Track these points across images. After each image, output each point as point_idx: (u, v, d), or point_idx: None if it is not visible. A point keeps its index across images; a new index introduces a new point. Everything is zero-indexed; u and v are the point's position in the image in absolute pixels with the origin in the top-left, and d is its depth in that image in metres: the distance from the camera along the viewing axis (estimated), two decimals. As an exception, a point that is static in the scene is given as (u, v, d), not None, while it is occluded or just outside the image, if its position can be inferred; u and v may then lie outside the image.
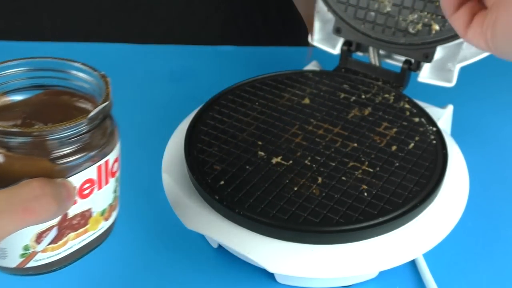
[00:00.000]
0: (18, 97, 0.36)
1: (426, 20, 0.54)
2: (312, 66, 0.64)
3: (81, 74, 0.37)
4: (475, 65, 0.53)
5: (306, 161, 0.47)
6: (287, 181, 0.46)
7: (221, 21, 0.80)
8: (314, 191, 0.45)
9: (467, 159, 0.50)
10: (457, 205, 0.46)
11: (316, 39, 0.62)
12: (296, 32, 0.75)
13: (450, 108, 0.57)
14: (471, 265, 0.47)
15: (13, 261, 0.34)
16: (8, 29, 0.80)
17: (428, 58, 0.55)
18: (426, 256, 0.46)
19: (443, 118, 0.55)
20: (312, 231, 0.42)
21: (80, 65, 0.36)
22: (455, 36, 0.52)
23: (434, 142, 0.49)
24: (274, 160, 0.48)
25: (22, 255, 0.34)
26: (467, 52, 0.54)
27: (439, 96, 0.58)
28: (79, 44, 0.80)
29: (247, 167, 0.47)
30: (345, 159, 0.48)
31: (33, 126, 0.34)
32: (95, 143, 0.34)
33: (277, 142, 0.50)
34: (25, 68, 0.36)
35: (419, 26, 0.54)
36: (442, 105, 0.57)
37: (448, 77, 0.55)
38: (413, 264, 0.47)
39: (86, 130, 0.33)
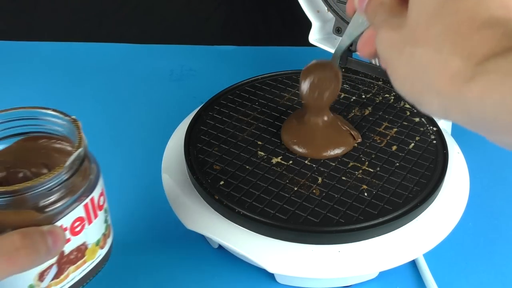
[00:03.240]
0: None
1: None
2: (312, 66, 0.64)
3: (54, 120, 0.39)
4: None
5: (306, 161, 0.47)
6: (287, 181, 0.46)
7: (221, 21, 0.80)
8: (314, 191, 0.45)
9: (467, 159, 0.50)
10: (458, 205, 0.46)
11: (316, 39, 0.62)
12: (296, 32, 0.75)
13: (450, 108, 0.57)
14: (472, 265, 0.47)
15: None
16: (8, 29, 0.80)
17: (429, 58, 0.55)
18: (427, 256, 0.46)
19: (443, 118, 0.55)
20: (312, 231, 0.42)
21: (52, 112, 0.39)
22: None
23: (435, 142, 0.49)
24: (274, 160, 0.48)
25: None
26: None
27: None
28: (79, 44, 0.80)
29: (247, 167, 0.47)
30: (345, 159, 0.48)
31: (18, 175, 0.37)
32: (78, 185, 0.36)
33: (277, 142, 0.50)
34: (2, 120, 0.38)
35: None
36: (443, 105, 0.57)
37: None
38: (413, 264, 0.47)
39: (66, 178, 0.35)
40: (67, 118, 0.39)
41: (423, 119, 0.52)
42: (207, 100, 0.55)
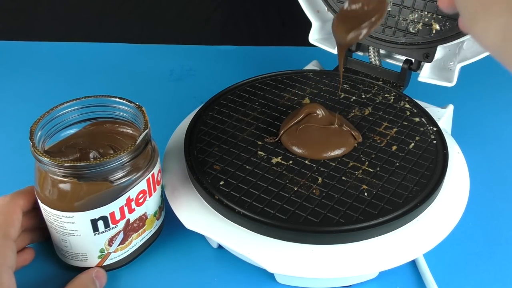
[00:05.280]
0: (71, 131, 0.45)
1: (426, 19, 0.54)
2: (312, 66, 0.64)
3: (120, 106, 0.45)
4: (476, 65, 0.53)
5: (306, 161, 0.47)
6: (287, 181, 0.45)
7: (221, 21, 0.80)
8: (314, 191, 0.45)
9: (467, 159, 0.50)
10: (458, 205, 0.46)
11: (316, 39, 0.62)
12: (296, 32, 0.75)
13: (450, 108, 0.57)
14: (472, 265, 0.47)
15: (93, 262, 0.44)
16: (8, 29, 0.80)
17: (429, 57, 0.55)
18: (427, 256, 0.46)
19: (443, 118, 0.55)
20: (312, 231, 0.42)
21: (119, 99, 0.45)
22: (455, 36, 0.52)
23: (435, 142, 0.49)
24: (274, 160, 0.48)
25: (99, 257, 0.44)
26: (468, 52, 0.54)
27: (440, 96, 0.58)
28: (79, 44, 0.80)
29: (247, 167, 0.47)
30: (345, 159, 0.48)
31: (89, 155, 0.44)
32: (143, 163, 0.42)
33: (277, 142, 0.50)
34: (76, 107, 0.44)
35: (420, 26, 0.54)
36: (443, 105, 0.57)
37: (449, 77, 0.55)
38: (413, 264, 0.47)
39: (134, 156, 0.41)
40: (132, 104, 0.44)
41: (423, 119, 0.52)
42: (207, 100, 0.55)
